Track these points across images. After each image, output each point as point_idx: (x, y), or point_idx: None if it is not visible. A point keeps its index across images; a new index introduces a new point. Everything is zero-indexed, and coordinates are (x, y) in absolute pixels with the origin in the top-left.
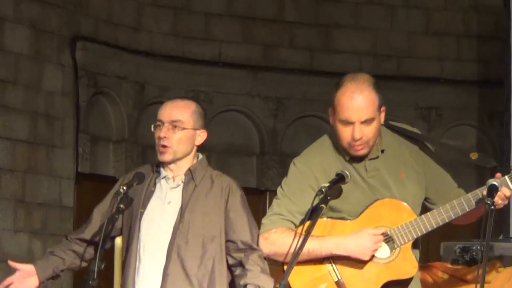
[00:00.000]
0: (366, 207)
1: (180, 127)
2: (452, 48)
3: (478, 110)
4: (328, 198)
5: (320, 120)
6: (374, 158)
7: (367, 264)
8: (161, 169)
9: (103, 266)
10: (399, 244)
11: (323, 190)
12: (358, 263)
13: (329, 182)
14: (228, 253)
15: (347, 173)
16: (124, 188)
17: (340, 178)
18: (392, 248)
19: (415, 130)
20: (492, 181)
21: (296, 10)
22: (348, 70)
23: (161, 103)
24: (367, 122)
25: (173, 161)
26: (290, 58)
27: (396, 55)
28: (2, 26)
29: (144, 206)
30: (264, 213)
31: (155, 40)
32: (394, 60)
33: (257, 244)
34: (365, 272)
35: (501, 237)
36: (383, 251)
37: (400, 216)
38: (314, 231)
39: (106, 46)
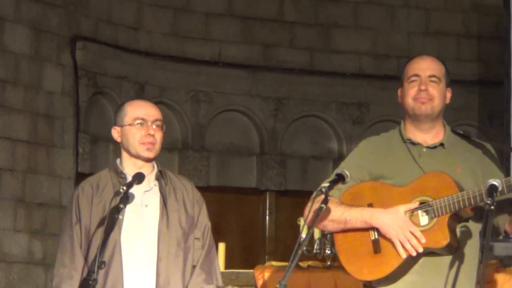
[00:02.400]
0: (416, 178)
1: (161, 126)
2: (452, 48)
3: (478, 110)
4: (328, 198)
5: (320, 120)
6: (431, 148)
7: None
8: (127, 175)
9: (103, 266)
10: (436, 215)
11: (323, 190)
12: None
13: (329, 182)
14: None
15: (347, 173)
16: (124, 188)
17: (339, 178)
18: (430, 218)
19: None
20: (492, 181)
21: (296, 10)
22: (348, 70)
23: (161, 103)
24: (433, 79)
25: (152, 160)
26: (290, 58)
27: (396, 55)
28: (2, 26)
29: (121, 213)
30: (264, 213)
31: (155, 40)
32: (394, 60)
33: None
34: None
35: (501, 237)
36: (423, 220)
37: (444, 189)
38: (363, 191)
39: (106, 46)
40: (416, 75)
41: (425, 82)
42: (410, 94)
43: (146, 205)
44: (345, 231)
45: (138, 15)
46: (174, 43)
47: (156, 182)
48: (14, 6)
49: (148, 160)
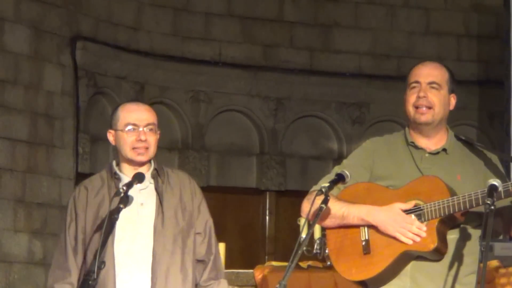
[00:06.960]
0: (410, 181)
1: (154, 130)
2: (452, 48)
3: (478, 110)
4: (328, 198)
5: (320, 120)
6: (433, 154)
7: None
8: (121, 175)
9: (102, 266)
10: (426, 219)
11: (323, 190)
12: None
13: (329, 182)
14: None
15: (347, 173)
16: (124, 188)
17: (340, 178)
18: (421, 221)
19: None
20: (492, 181)
21: (296, 10)
22: (348, 70)
23: (161, 103)
24: (433, 86)
25: (147, 163)
26: (290, 58)
27: (396, 55)
28: (2, 26)
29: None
30: (264, 213)
31: (155, 40)
32: (394, 60)
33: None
34: (391, 237)
35: (501, 237)
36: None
37: (436, 194)
38: (358, 192)
39: (106, 46)
40: (416, 82)
41: (425, 89)
42: (410, 101)
43: (142, 204)
44: (337, 230)
45: (138, 15)
46: (174, 43)
47: (152, 180)
48: (14, 6)
49: (141, 163)
